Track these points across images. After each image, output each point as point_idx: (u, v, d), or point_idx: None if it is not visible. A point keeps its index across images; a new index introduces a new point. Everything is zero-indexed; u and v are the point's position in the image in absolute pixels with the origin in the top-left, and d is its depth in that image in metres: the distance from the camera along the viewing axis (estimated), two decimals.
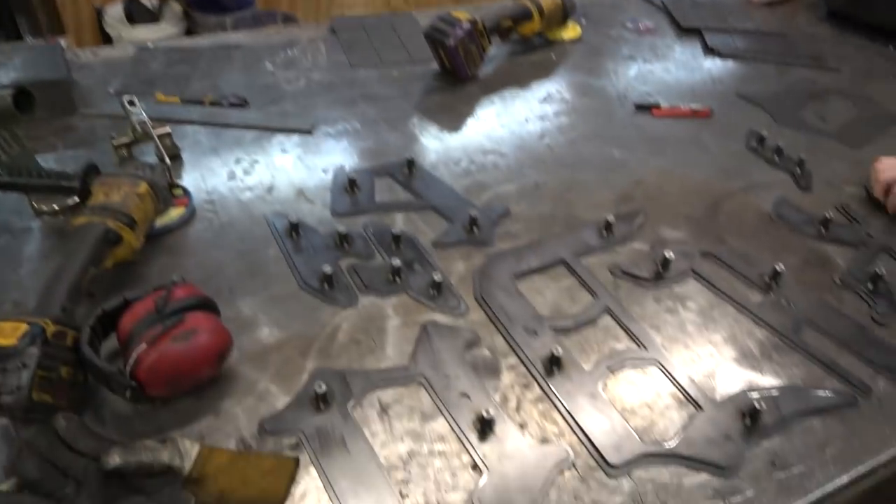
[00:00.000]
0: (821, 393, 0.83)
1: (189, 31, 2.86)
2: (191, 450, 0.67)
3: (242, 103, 1.35)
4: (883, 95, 1.57)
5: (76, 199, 0.98)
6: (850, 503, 0.76)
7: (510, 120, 1.38)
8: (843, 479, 0.75)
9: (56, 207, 1.01)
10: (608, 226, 1.06)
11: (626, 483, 0.72)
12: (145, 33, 2.70)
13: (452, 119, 1.37)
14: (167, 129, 1.14)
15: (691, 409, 0.81)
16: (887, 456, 0.78)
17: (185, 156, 1.19)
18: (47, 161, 1.13)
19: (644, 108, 1.45)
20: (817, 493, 0.73)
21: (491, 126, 1.36)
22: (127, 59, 1.48)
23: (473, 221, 1.05)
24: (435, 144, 1.28)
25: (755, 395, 0.82)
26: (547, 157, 1.27)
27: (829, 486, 0.74)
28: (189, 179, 1.13)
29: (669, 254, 0.99)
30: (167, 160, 1.03)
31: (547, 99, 1.47)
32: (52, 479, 0.62)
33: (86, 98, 1.32)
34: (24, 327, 0.69)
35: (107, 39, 2.82)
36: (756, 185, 1.23)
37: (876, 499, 0.80)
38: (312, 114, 1.34)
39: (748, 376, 0.86)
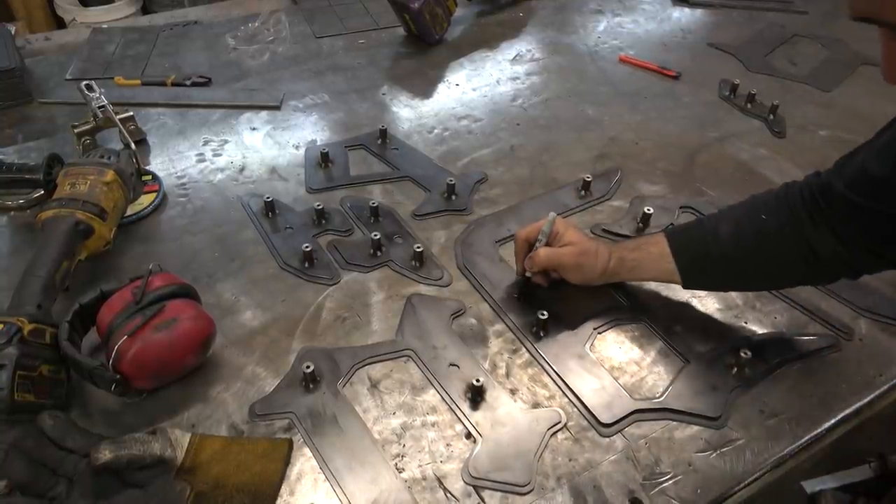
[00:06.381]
0: (804, 338, 0.84)
1: (145, 10, 2.76)
2: (182, 439, 0.67)
3: (206, 82, 1.31)
4: (851, 36, 1.57)
5: (41, 191, 0.96)
6: (835, 443, 0.78)
7: (482, 83, 1.36)
8: (830, 421, 0.76)
9: (21, 202, 0.98)
10: (586, 185, 1.05)
11: (619, 441, 0.73)
12: (99, 14, 2.60)
13: (423, 85, 1.35)
14: (130, 112, 1.11)
15: (678, 362, 0.81)
16: (871, 396, 0.79)
17: (150, 140, 1.16)
18: (7, 154, 1.10)
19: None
20: (805, 437, 0.74)
21: (462, 90, 1.34)
22: (82, 43, 1.43)
23: (451, 189, 1.03)
24: (407, 112, 1.26)
25: (741, 344, 0.82)
26: (521, 118, 1.26)
27: (817, 429, 0.75)
28: (157, 164, 1.10)
29: (649, 209, 0.98)
30: (132, 145, 1.00)
31: (517, 59, 1.45)
32: (43, 478, 0.62)
33: (41, 86, 1.28)
34: None
35: (60, 24, 2.72)
36: (731, 134, 1.23)
37: (859, 436, 0.82)
38: (279, 88, 1.31)
39: (733, 326, 0.86)
